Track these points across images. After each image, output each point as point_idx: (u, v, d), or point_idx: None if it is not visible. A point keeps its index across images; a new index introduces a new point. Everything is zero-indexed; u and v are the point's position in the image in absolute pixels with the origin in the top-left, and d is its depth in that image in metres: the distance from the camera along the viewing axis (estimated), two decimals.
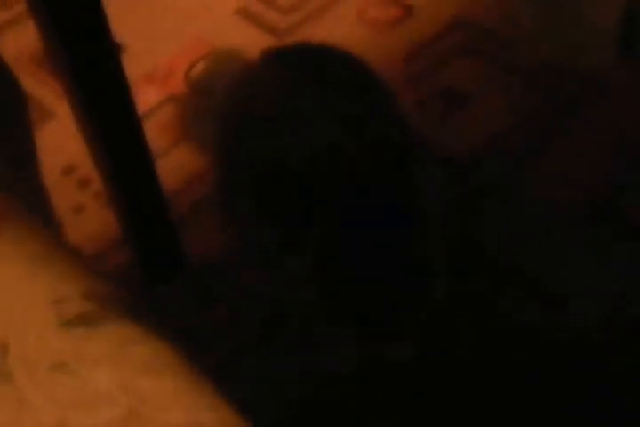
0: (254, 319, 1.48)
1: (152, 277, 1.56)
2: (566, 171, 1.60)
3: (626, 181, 1.59)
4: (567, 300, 1.46)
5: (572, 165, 1.60)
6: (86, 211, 1.65)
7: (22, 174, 1.53)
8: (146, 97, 1.74)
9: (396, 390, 1.41)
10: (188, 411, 0.71)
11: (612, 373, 1.40)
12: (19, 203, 1.12)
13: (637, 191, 1.57)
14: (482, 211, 1.56)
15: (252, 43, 1.76)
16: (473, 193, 1.58)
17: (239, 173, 1.32)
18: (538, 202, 1.57)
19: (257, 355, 1.45)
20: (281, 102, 1.31)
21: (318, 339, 1.40)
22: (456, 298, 1.43)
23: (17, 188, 1.45)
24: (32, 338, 0.79)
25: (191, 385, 0.74)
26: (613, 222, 1.54)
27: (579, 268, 1.49)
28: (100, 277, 0.91)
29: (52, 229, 1.22)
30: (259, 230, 1.30)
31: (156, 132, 1.67)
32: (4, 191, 1.23)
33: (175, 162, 1.66)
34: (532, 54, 1.73)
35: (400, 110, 1.35)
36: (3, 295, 0.86)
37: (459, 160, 1.61)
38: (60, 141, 1.68)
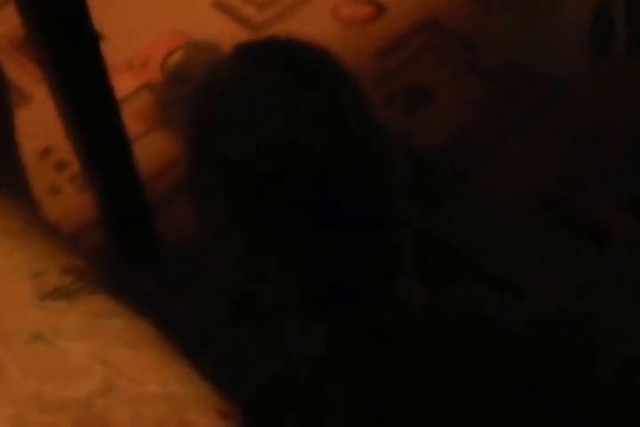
0: (224, 302, 1.48)
1: (127, 258, 1.55)
2: (523, 166, 1.61)
3: (575, 177, 1.60)
4: (524, 291, 1.47)
5: (528, 161, 1.61)
6: (63, 193, 1.64)
7: (0, 156, 1.52)
8: (122, 84, 1.73)
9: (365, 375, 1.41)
10: (162, 383, 0.70)
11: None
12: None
13: (583, 185, 1.58)
14: (445, 204, 1.57)
15: (227, 35, 1.75)
16: (435, 188, 1.59)
17: (207, 172, 1.31)
18: (496, 195, 1.58)
19: (226, 337, 1.45)
20: (250, 98, 1.30)
21: (288, 323, 1.40)
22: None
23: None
24: (10, 311, 0.79)
25: (165, 358, 0.74)
26: (561, 212, 1.55)
27: (532, 259, 1.50)
28: (78, 252, 0.90)
29: (29, 206, 1.22)
30: (229, 230, 1.30)
31: (131, 119, 1.66)
32: None
33: (150, 148, 1.66)
34: (500, 56, 1.74)
35: (369, 106, 1.35)
36: None
37: (423, 155, 1.61)
38: (38, 125, 1.67)
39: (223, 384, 1.28)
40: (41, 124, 1.65)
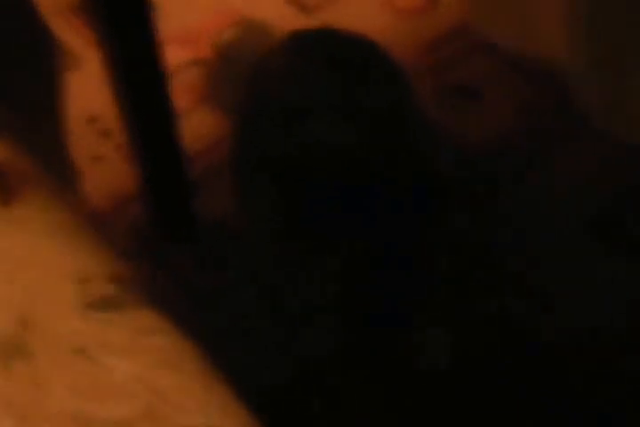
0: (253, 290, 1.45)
1: (163, 234, 1.54)
2: (569, 174, 1.56)
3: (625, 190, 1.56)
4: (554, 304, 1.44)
5: (574, 170, 1.57)
6: (105, 162, 1.62)
7: (47, 119, 1.49)
8: (173, 57, 1.69)
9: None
10: (205, 414, 0.69)
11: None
12: (41, 163, 1.09)
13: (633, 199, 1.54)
14: (489, 208, 1.53)
15: (280, 17, 1.73)
16: (478, 191, 1.55)
17: (250, 163, 1.29)
18: (540, 202, 1.54)
19: (255, 321, 1.43)
20: (299, 91, 1.27)
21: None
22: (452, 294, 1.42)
23: (39, 134, 1.41)
24: (55, 317, 0.77)
25: (209, 385, 0.72)
26: (612, 232, 1.51)
27: (572, 273, 1.47)
28: (125, 258, 0.88)
29: (75, 196, 1.18)
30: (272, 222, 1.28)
31: (179, 93, 1.63)
32: (25, 143, 1.19)
33: (195, 124, 1.63)
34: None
35: (417, 102, 1.32)
36: (31, 267, 0.83)
37: (470, 153, 1.58)
38: (87, 90, 1.64)
39: (252, 369, 1.27)
40: (90, 90, 1.62)
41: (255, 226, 1.35)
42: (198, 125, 1.64)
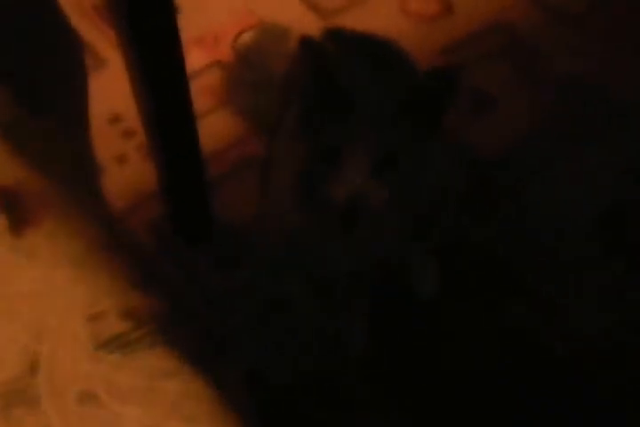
0: (267, 293, 1.45)
1: (181, 233, 1.54)
2: (581, 182, 1.56)
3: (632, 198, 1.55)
4: (568, 313, 1.43)
5: (586, 178, 1.56)
6: (128, 161, 1.62)
7: (71, 118, 1.48)
8: (192, 59, 1.70)
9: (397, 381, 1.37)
10: None
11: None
12: (59, 176, 1.06)
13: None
14: (500, 217, 1.52)
15: (297, 20, 1.72)
16: (491, 199, 1.54)
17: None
18: (551, 210, 1.53)
19: (268, 322, 1.43)
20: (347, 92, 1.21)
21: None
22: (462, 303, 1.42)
23: (64, 133, 1.40)
24: (64, 358, 0.74)
25: None
26: (615, 233, 1.49)
27: (582, 279, 1.46)
28: (140, 289, 0.85)
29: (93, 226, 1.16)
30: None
31: (199, 94, 1.63)
32: (45, 155, 1.17)
33: (214, 126, 1.63)
34: (568, 68, 1.68)
35: None
36: (40, 302, 0.81)
37: (484, 160, 1.57)
38: (111, 90, 1.64)
39: (265, 369, 1.25)
40: (113, 90, 1.62)
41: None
42: (217, 127, 1.64)
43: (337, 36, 1.36)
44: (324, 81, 1.15)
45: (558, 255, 1.47)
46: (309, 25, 1.64)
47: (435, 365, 1.39)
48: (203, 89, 1.68)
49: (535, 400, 1.36)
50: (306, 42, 1.19)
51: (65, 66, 1.48)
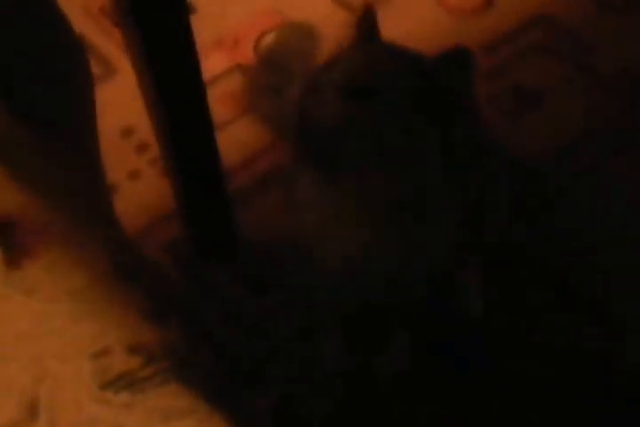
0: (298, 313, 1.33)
1: (202, 254, 1.40)
2: (631, 184, 1.43)
3: None
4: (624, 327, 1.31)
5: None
6: (141, 177, 1.49)
7: (78, 133, 1.41)
8: (211, 64, 1.58)
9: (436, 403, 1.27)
10: None
11: None
12: (61, 201, 0.99)
13: None
14: (549, 221, 1.40)
15: (324, 18, 1.59)
16: (540, 202, 1.42)
17: None
18: (601, 214, 1.41)
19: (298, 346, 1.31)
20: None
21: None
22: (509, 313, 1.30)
23: (69, 150, 1.32)
24: (66, 400, 0.65)
25: None
26: None
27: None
28: (150, 320, 0.77)
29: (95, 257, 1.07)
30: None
31: (218, 102, 1.51)
32: (60, 164, 1.10)
33: (236, 135, 1.51)
34: (617, 62, 1.54)
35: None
36: (41, 340, 0.72)
37: (528, 163, 1.44)
38: (122, 100, 1.52)
39: (294, 399, 1.16)
40: (125, 100, 1.49)
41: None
42: (238, 137, 1.52)
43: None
44: None
45: (618, 264, 1.35)
46: (339, 23, 1.52)
47: (483, 391, 1.28)
48: (222, 96, 1.55)
49: None
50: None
51: (67, 75, 1.40)
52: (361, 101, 1.07)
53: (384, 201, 1.12)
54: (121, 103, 1.54)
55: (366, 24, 1.14)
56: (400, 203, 1.12)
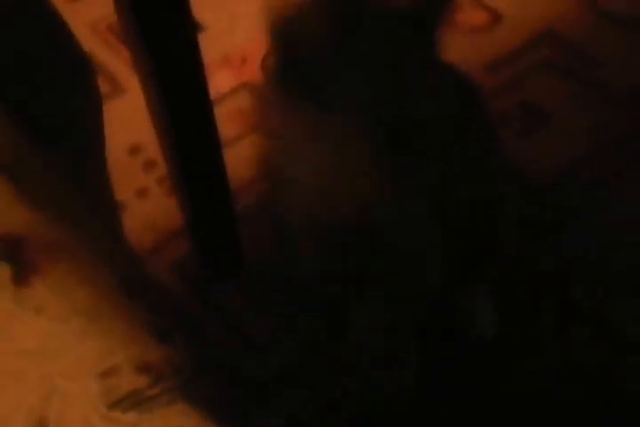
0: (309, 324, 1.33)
1: (210, 272, 1.40)
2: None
3: None
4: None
5: None
6: (149, 195, 1.48)
7: (85, 150, 1.40)
8: (218, 82, 1.58)
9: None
10: None
11: None
12: (74, 227, 0.98)
13: None
14: (558, 240, 1.38)
15: None
16: (545, 222, 1.40)
17: None
18: (611, 234, 1.39)
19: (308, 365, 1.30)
20: None
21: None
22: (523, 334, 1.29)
23: (76, 168, 1.31)
24: (73, 420, 0.65)
25: None
26: None
27: None
28: (154, 340, 0.77)
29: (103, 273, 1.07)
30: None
31: (225, 121, 1.51)
32: (67, 185, 1.09)
33: (243, 154, 1.51)
34: (626, 78, 1.54)
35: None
36: (48, 360, 0.72)
37: (537, 181, 1.43)
38: (130, 118, 1.52)
39: (301, 419, 1.15)
40: (133, 118, 1.49)
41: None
42: (246, 154, 1.52)
43: None
44: None
45: (628, 281, 1.34)
46: None
47: (490, 408, 1.26)
48: (230, 114, 1.55)
49: None
50: None
51: (75, 91, 1.39)
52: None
53: (366, 128, 1.04)
54: (129, 121, 1.54)
55: None
56: (383, 129, 1.04)
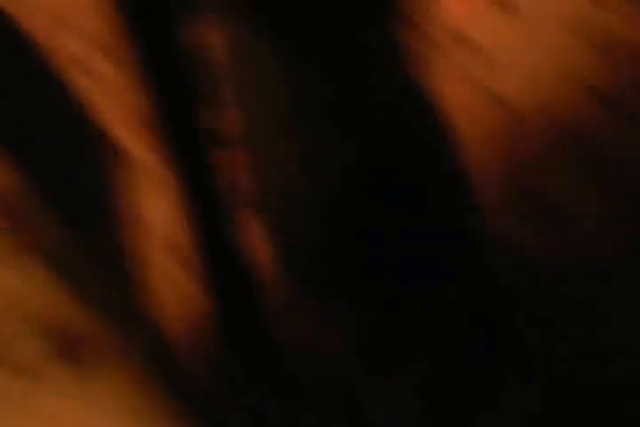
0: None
1: (237, 361, 1.44)
2: None
3: None
4: None
5: None
6: (173, 281, 1.53)
7: (117, 241, 1.45)
8: None
9: None
10: None
11: None
12: (110, 312, 1.03)
13: None
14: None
15: None
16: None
17: None
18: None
19: None
20: None
21: None
22: None
23: (110, 258, 1.36)
24: None
25: None
26: None
27: None
28: None
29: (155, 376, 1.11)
30: None
31: None
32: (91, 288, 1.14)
33: None
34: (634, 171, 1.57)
35: None
36: None
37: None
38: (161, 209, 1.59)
39: None
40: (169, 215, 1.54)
41: None
42: None
43: None
44: None
45: None
46: None
47: None
48: None
49: None
50: None
51: (106, 183, 1.45)
52: None
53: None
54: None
55: None
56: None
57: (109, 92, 1.65)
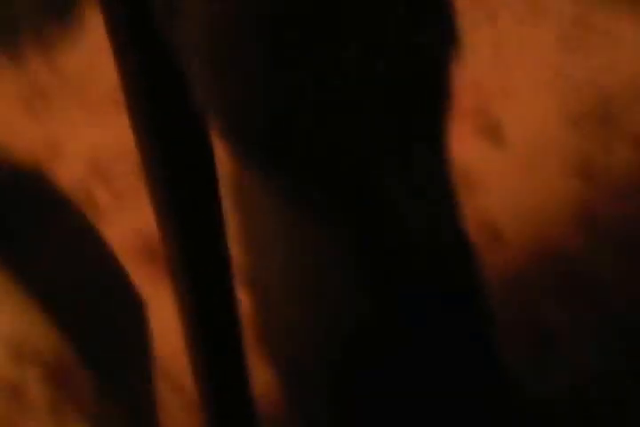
0: None
1: None
2: None
3: None
4: None
5: None
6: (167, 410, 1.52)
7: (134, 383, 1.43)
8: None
9: None
10: None
11: None
12: None
13: None
14: None
15: None
16: None
17: None
18: None
19: None
20: None
21: None
22: None
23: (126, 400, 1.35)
24: None
25: None
26: None
27: None
28: None
29: None
30: None
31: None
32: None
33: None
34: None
35: None
36: None
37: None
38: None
39: None
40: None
41: None
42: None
43: None
44: None
45: None
46: None
47: None
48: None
49: None
50: None
51: (125, 330, 1.44)
52: None
53: None
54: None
55: None
56: None
57: None
